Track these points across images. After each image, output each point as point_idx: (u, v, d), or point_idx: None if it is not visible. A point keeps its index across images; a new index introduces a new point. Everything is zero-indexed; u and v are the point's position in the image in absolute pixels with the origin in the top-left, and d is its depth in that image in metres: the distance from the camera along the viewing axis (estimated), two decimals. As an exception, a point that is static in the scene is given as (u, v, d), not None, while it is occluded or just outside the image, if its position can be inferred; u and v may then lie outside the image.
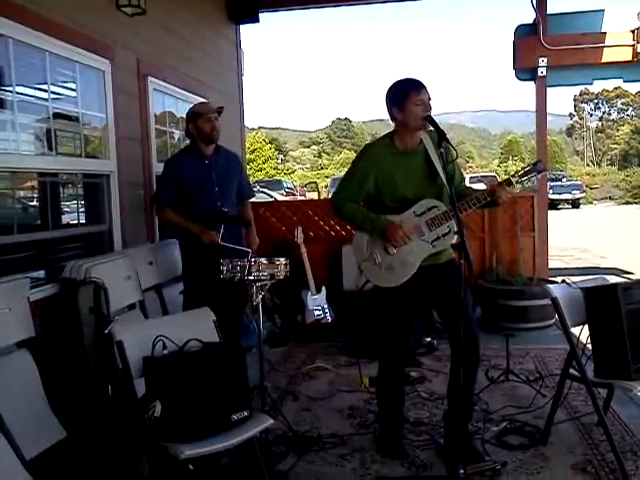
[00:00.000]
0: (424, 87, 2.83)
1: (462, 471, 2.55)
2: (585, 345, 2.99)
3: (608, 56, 5.90)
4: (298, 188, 22.87)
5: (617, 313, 2.81)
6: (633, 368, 2.75)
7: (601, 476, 2.75)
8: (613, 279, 3.27)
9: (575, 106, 64.53)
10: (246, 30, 7.10)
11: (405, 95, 2.81)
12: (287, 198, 19.42)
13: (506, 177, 2.93)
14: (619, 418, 3.33)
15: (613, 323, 2.82)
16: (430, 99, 2.83)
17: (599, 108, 64.23)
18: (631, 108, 61.73)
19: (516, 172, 2.92)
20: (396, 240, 2.82)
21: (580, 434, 3.20)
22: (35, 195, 3.85)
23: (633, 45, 5.80)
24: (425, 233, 2.86)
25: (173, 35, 5.19)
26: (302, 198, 19.93)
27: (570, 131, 67.79)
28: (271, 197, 16.61)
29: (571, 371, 3.02)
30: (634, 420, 3.32)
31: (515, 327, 5.22)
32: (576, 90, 61.11)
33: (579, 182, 30.81)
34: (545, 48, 5.90)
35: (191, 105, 4.09)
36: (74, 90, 3.88)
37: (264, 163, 43.05)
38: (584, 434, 3.19)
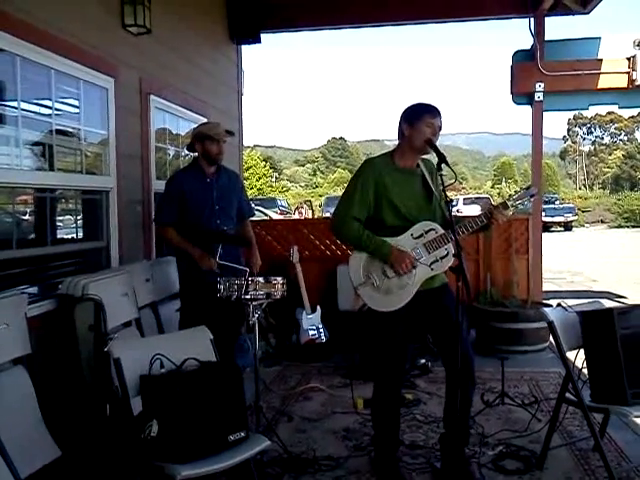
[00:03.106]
0: (440, 115, 2.90)
1: (459, 495, 2.54)
2: (581, 369, 2.99)
3: (604, 82, 5.99)
4: (303, 205, 22.79)
5: (613, 338, 2.81)
6: (629, 393, 2.75)
7: (597, 502, 2.75)
8: (607, 303, 3.29)
9: (569, 130, 65.21)
10: (243, 49, 7.17)
11: (419, 114, 2.88)
12: (282, 217, 19.39)
13: (501, 201, 2.98)
14: (615, 444, 3.33)
15: (609, 348, 2.82)
16: (440, 128, 2.89)
17: (592, 132, 64.92)
18: (624, 133, 62.47)
19: (510, 195, 2.99)
20: (402, 268, 2.81)
21: (576, 459, 3.19)
22: (34, 210, 3.84)
23: (629, 72, 5.89)
24: (423, 256, 2.87)
25: (176, 54, 5.24)
26: (303, 216, 19.87)
27: (563, 154, 68.42)
28: (266, 215, 16.62)
29: (567, 395, 3.02)
30: (630, 445, 3.31)
31: (509, 350, 5.22)
32: (570, 114, 61.82)
33: (571, 205, 31.10)
34: (542, 74, 5.99)
35: (194, 123, 4.11)
36: (77, 107, 3.90)
37: (258, 181, 43.19)
38: (580, 459, 3.18)
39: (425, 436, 3.55)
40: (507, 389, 4.09)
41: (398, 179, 2.91)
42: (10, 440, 2.18)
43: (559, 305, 3.19)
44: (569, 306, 3.12)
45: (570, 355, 3.02)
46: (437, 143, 2.89)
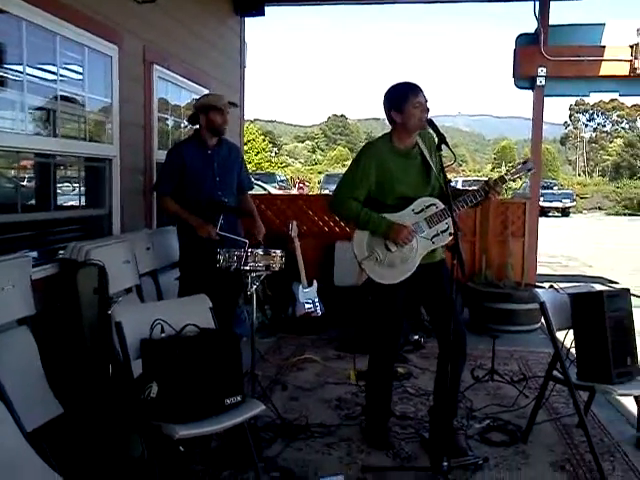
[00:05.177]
0: (421, 90, 2.91)
1: (446, 464, 2.63)
2: (569, 349, 3.08)
3: (606, 69, 5.99)
4: (300, 180, 22.92)
5: (601, 319, 2.91)
6: (614, 372, 2.85)
7: (579, 474, 2.84)
8: (598, 287, 3.36)
9: (570, 116, 64.77)
10: (247, 22, 7.13)
11: (404, 98, 2.89)
12: (281, 192, 19.39)
13: (499, 175, 3.03)
14: (598, 420, 3.44)
15: (597, 329, 2.92)
16: (427, 101, 2.92)
17: (594, 119, 64.56)
18: (625, 121, 62.17)
19: (507, 170, 3.07)
20: (403, 240, 2.89)
21: (560, 434, 3.29)
22: (38, 176, 3.88)
23: (631, 60, 5.89)
24: (425, 230, 2.95)
25: (179, 24, 5.23)
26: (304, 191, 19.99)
27: (564, 140, 68.05)
28: (265, 190, 16.61)
29: (555, 373, 3.11)
30: (613, 423, 3.42)
31: (502, 329, 5.33)
32: (572, 100, 61.35)
33: (570, 191, 31.09)
34: (545, 58, 5.97)
35: (196, 94, 4.13)
36: (81, 74, 3.92)
37: (257, 155, 42.96)
38: (564, 434, 3.29)
39: (415, 408, 3.65)
40: (497, 366, 4.19)
41: (399, 162, 2.97)
42: (15, 395, 2.25)
43: (551, 287, 3.27)
44: (561, 288, 3.20)
45: (560, 335, 3.10)
46: (437, 124, 2.92)
